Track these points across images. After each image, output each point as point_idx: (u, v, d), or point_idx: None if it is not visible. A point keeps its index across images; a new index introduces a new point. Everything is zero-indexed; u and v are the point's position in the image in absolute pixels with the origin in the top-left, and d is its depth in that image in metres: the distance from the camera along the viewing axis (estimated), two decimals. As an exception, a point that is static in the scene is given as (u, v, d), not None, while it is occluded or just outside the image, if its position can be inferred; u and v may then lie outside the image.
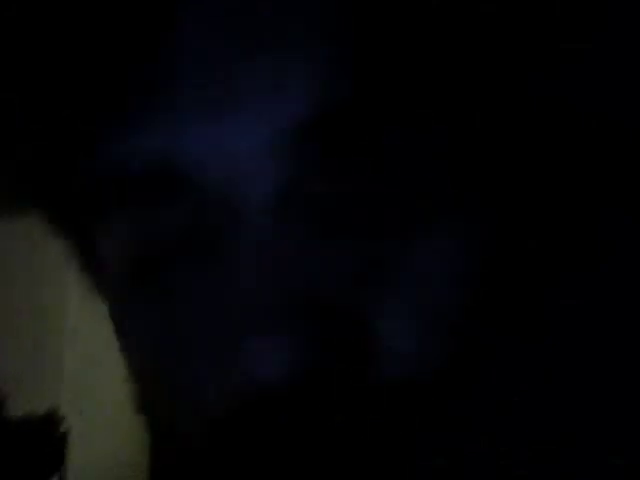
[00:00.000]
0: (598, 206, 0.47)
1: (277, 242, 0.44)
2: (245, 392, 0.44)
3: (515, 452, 0.47)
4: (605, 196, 0.47)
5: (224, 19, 0.44)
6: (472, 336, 0.46)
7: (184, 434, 0.48)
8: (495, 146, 0.47)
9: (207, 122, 0.44)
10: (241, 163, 0.44)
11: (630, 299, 0.47)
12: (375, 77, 0.44)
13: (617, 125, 0.47)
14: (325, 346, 0.44)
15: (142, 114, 0.45)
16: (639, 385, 0.47)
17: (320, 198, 0.45)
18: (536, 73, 0.46)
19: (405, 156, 0.45)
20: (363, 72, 0.44)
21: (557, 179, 0.48)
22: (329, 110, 0.44)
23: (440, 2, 0.44)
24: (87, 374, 4.24)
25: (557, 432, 0.47)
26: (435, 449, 0.48)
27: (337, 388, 0.44)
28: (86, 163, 0.47)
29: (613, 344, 0.47)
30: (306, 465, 0.44)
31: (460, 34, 0.44)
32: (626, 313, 0.47)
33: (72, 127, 0.46)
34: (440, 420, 0.47)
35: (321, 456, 0.44)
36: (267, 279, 0.44)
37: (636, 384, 0.47)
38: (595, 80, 0.47)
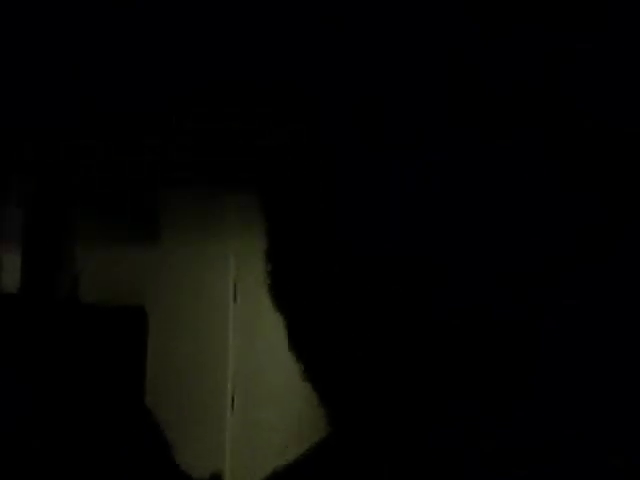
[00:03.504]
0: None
1: None
2: None
3: (515, 452, 0.47)
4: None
5: None
6: None
7: None
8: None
9: None
10: None
11: (630, 299, 0.47)
12: None
13: (617, 126, 0.47)
14: None
15: None
16: (638, 385, 0.47)
17: None
18: (537, 78, 0.47)
19: None
20: None
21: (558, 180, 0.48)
22: None
23: None
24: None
25: (557, 432, 0.47)
26: (435, 448, 0.48)
27: None
28: None
29: (612, 344, 0.47)
30: None
31: None
32: (626, 313, 0.47)
33: None
34: (441, 419, 0.47)
35: None
36: None
37: (636, 385, 0.47)
38: (595, 80, 0.47)
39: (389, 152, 0.48)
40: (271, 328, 4.71)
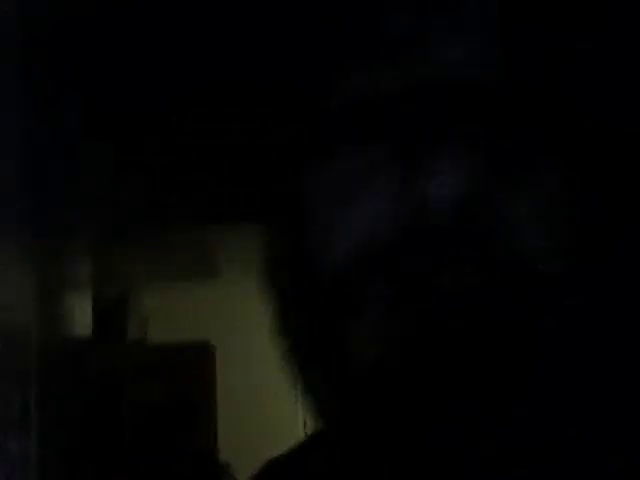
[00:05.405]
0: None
1: None
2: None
3: (515, 452, 0.47)
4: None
5: None
6: None
7: None
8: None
9: None
10: None
11: (630, 299, 0.47)
12: None
13: (617, 126, 0.47)
14: None
15: None
16: (638, 385, 0.47)
17: None
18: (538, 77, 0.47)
19: None
20: None
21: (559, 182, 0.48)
22: None
23: None
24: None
25: (557, 432, 0.47)
26: (435, 448, 0.48)
27: None
28: None
29: (612, 344, 0.47)
30: None
31: None
32: (626, 313, 0.47)
33: None
34: (441, 419, 0.47)
35: None
36: None
37: (636, 385, 0.47)
38: (595, 80, 0.47)
39: (389, 152, 0.48)
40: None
